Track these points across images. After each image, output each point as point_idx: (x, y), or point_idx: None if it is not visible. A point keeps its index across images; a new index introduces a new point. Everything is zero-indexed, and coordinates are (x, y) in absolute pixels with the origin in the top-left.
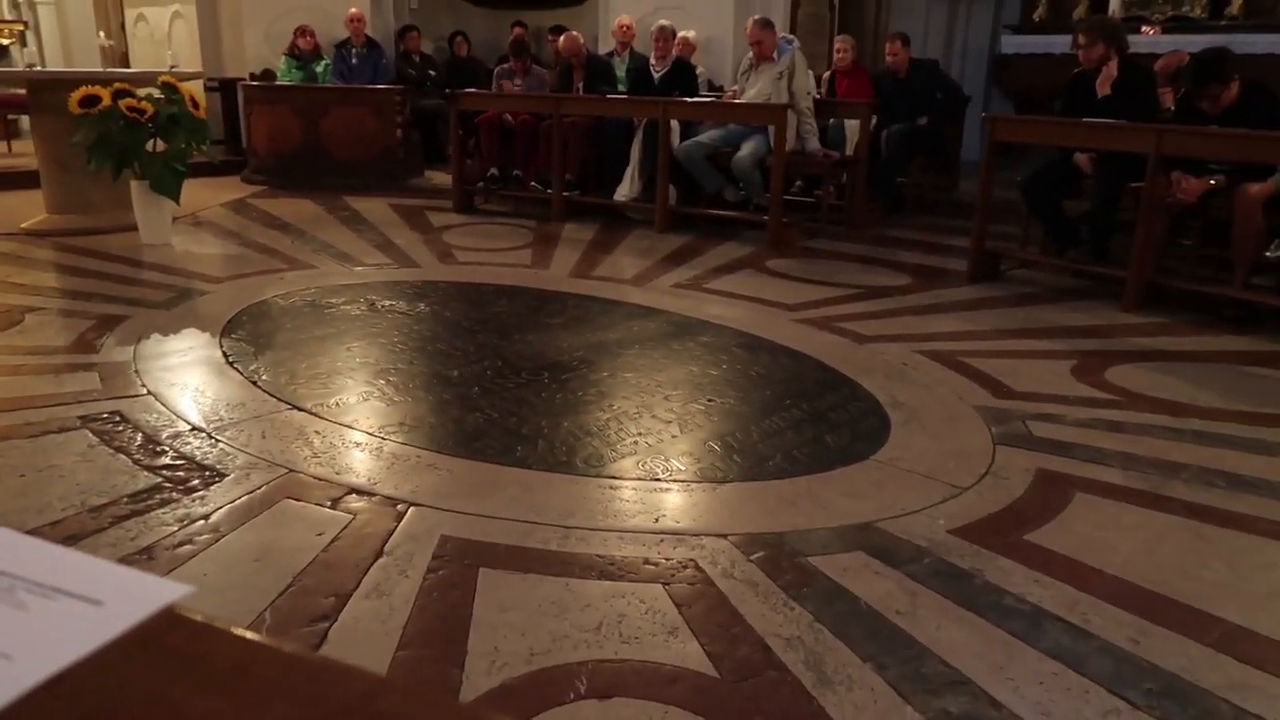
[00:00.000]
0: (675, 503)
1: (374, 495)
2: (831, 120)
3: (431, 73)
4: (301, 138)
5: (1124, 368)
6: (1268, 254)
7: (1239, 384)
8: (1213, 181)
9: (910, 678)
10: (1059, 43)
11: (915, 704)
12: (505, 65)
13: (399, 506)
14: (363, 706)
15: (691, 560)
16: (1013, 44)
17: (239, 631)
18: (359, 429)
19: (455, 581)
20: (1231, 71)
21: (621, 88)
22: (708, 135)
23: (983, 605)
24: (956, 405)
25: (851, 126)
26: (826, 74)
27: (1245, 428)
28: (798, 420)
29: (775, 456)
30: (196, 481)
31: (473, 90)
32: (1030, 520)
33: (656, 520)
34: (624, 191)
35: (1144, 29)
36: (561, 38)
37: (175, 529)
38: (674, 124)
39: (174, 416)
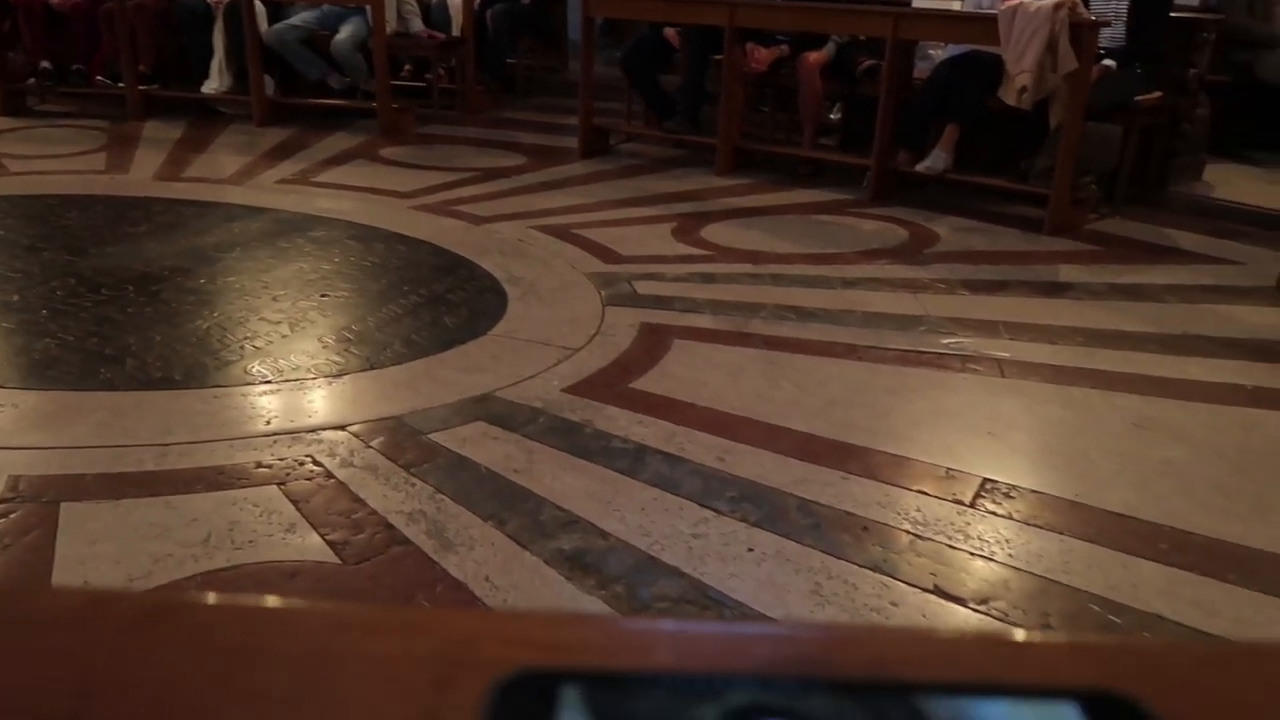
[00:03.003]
0: (289, 403)
1: None
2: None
3: None
4: None
5: (716, 226)
6: (833, 116)
7: (808, 231)
8: (781, 50)
9: (529, 527)
10: None
11: (533, 549)
12: None
13: None
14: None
15: (309, 456)
16: None
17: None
18: None
19: (31, 524)
20: None
21: None
22: (300, 18)
23: (592, 451)
24: (570, 274)
25: (455, 6)
26: None
27: (811, 268)
28: (415, 306)
29: (394, 344)
30: None
31: None
32: (635, 370)
33: (269, 423)
34: (213, 85)
35: None
36: None
37: None
38: (259, 6)
39: None
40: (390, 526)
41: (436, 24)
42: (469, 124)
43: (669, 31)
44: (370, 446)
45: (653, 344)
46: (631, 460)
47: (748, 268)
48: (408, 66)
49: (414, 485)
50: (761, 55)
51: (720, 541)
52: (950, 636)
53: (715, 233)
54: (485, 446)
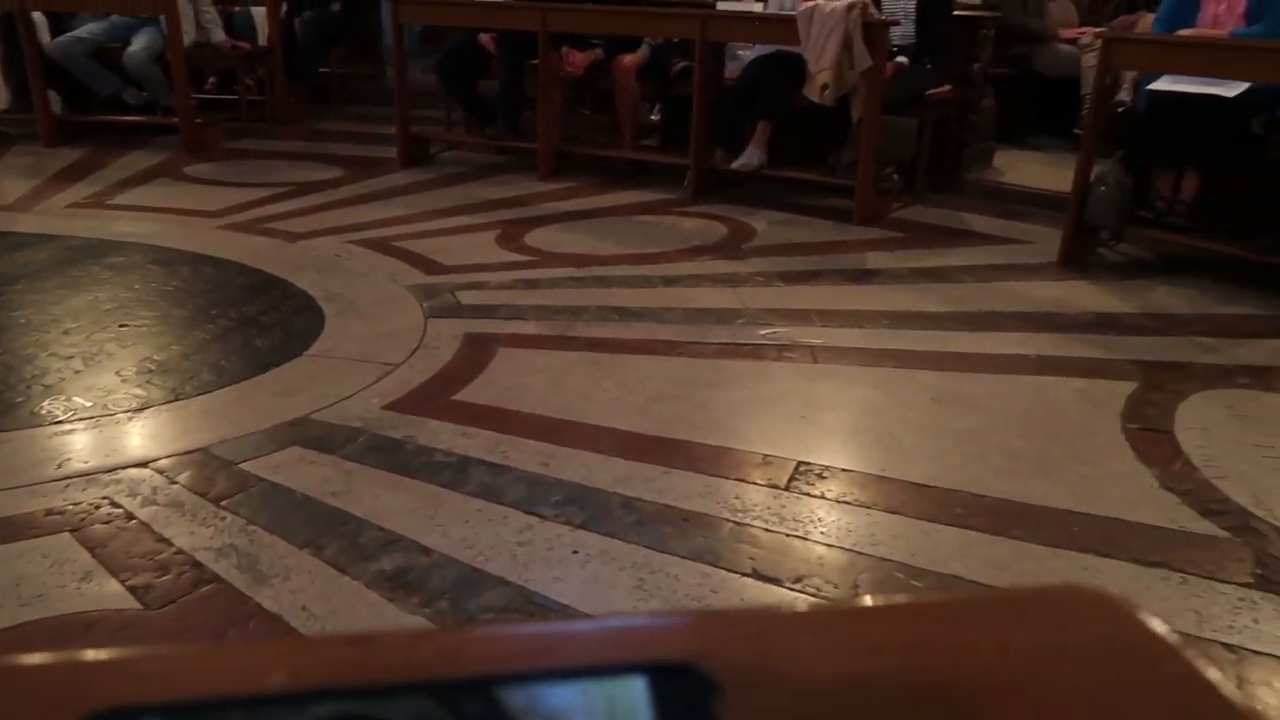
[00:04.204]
0: (83, 443)
1: None
2: (237, 8)
3: None
4: None
5: (540, 231)
6: (653, 117)
7: (630, 232)
8: (596, 54)
9: (347, 551)
10: None
11: (353, 573)
12: None
13: None
14: None
15: (106, 498)
16: None
17: None
18: None
19: None
20: None
21: None
22: (86, 29)
23: (414, 467)
24: (390, 288)
25: (259, 14)
26: None
27: (634, 268)
28: (224, 330)
29: (201, 372)
30: None
31: None
32: (458, 381)
33: (60, 466)
34: None
35: None
36: None
37: None
38: (38, 17)
39: None
40: (198, 565)
41: (240, 33)
42: (282, 137)
43: (484, 37)
44: (175, 482)
45: (476, 354)
46: (455, 473)
47: (571, 271)
48: (212, 79)
49: (224, 519)
50: (576, 59)
51: (545, 546)
52: (535, 628)
53: (539, 238)
54: (301, 471)
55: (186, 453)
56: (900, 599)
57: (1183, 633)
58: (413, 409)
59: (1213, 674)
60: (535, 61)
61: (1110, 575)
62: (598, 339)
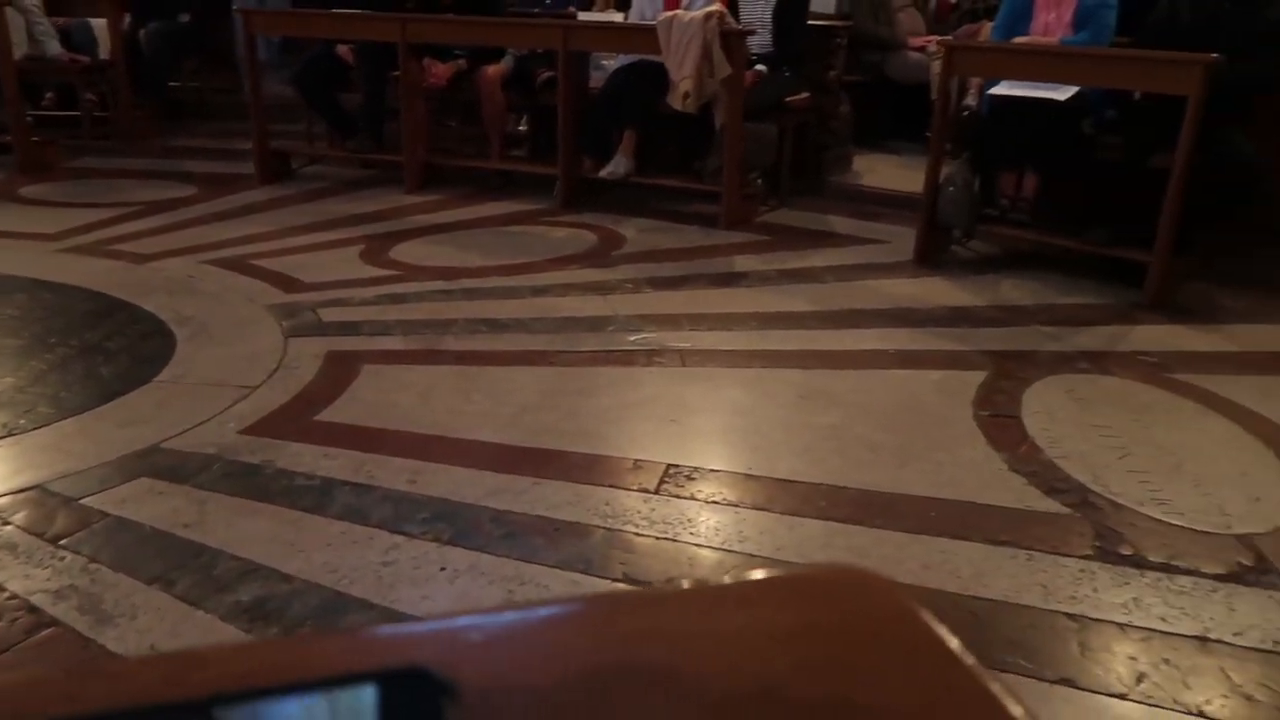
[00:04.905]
0: None
1: None
2: (75, 20)
3: None
4: None
5: (406, 244)
6: (521, 127)
7: (500, 243)
8: (459, 65)
9: (201, 584)
10: None
11: (207, 607)
12: None
13: None
14: None
15: None
16: None
17: None
18: None
19: None
20: None
21: None
22: None
23: (274, 492)
24: (247, 308)
25: (100, 26)
26: None
27: (504, 279)
28: (64, 359)
29: (38, 404)
30: None
31: None
32: (320, 401)
33: None
34: None
35: None
36: None
37: None
38: None
39: None
40: (34, 609)
41: (79, 46)
42: (129, 154)
43: (342, 49)
44: (9, 523)
45: (340, 372)
46: (317, 496)
47: (439, 284)
48: (49, 94)
49: (63, 559)
50: (439, 70)
51: (412, 565)
52: (270, 646)
53: (406, 251)
54: (150, 504)
55: (20, 491)
56: (661, 588)
57: (1030, 606)
58: (271, 432)
59: (953, 643)
60: (397, 73)
61: (964, 556)
62: (466, 352)
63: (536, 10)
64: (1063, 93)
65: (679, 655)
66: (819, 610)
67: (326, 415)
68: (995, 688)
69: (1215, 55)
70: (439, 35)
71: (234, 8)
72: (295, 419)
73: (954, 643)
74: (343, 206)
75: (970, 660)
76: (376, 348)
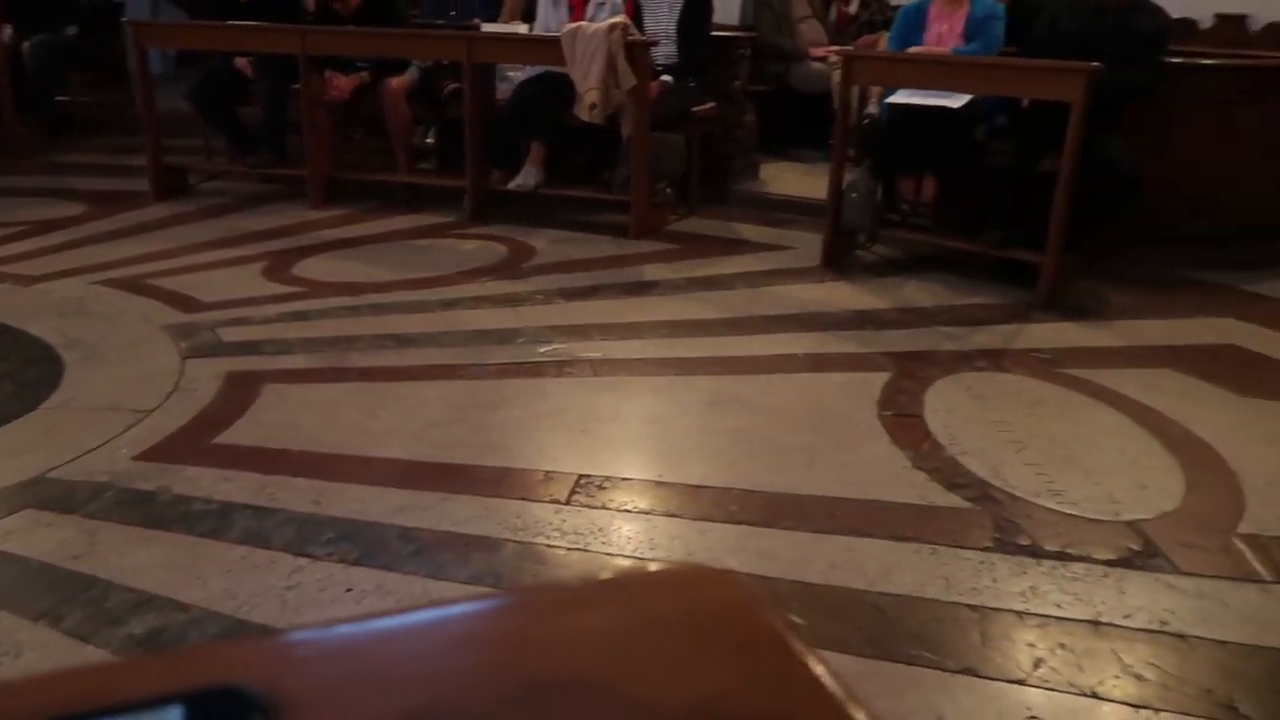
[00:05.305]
0: None
1: None
2: None
3: None
4: None
5: (311, 260)
6: (428, 140)
7: (407, 258)
8: (362, 77)
9: (92, 617)
10: None
11: (98, 641)
12: None
13: None
14: None
15: None
16: None
17: None
18: None
19: None
20: None
21: None
22: None
23: (169, 519)
24: (142, 329)
25: None
26: None
27: (411, 293)
28: None
29: None
30: None
31: None
32: (219, 424)
33: None
34: None
35: None
36: None
37: None
38: None
39: None
40: None
41: None
42: (12, 172)
43: (241, 62)
44: None
45: (240, 393)
46: (216, 521)
47: (345, 300)
48: None
49: None
50: (341, 83)
51: (316, 588)
52: (76, 672)
53: (310, 268)
54: (36, 536)
55: None
56: (507, 593)
57: (933, 599)
58: (167, 457)
59: (788, 633)
60: (298, 85)
61: (870, 554)
62: (372, 368)
63: (441, 22)
64: (956, 101)
65: (515, 659)
66: (663, 607)
67: (226, 438)
68: (820, 671)
69: (1096, 64)
70: (340, 47)
71: (124, 20)
72: (192, 442)
73: (789, 633)
74: (244, 223)
75: (800, 649)
76: (279, 367)
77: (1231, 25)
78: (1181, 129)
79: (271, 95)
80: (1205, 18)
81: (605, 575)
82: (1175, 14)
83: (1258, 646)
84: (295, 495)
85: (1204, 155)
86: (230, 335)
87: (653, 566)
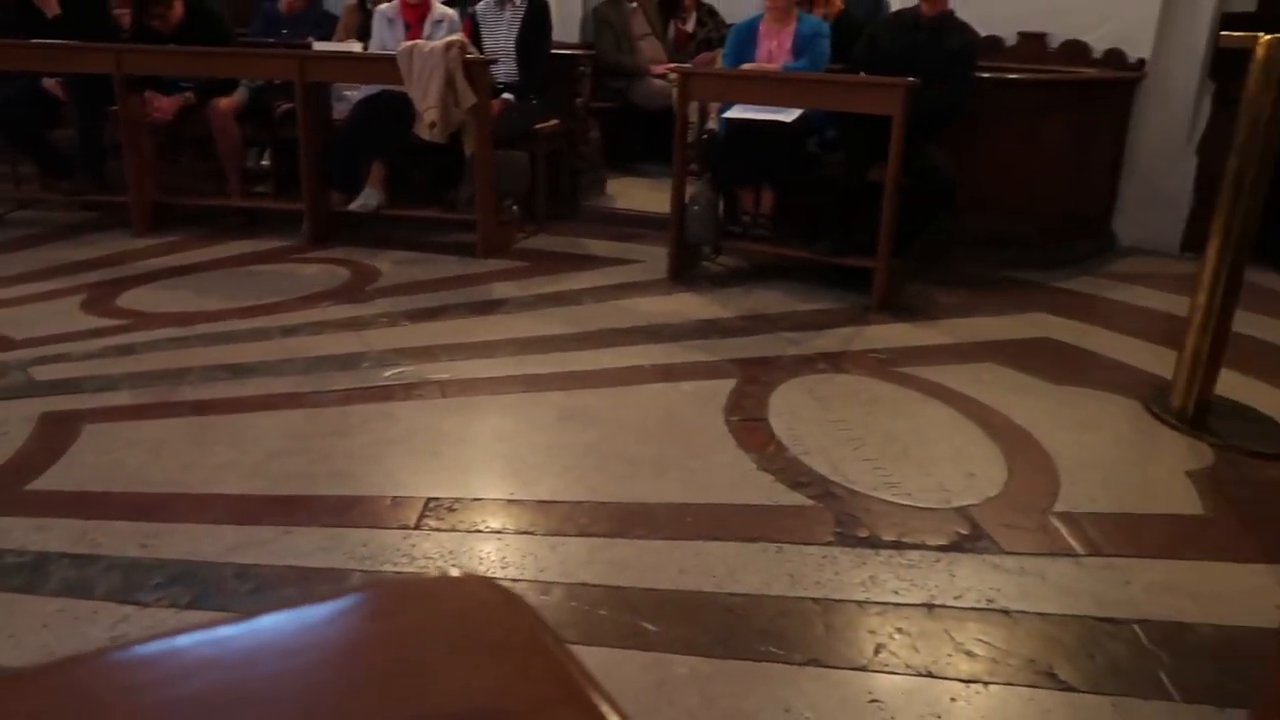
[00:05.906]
0: None
1: None
2: None
3: None
4: None
5: (136, 291)
6: (264, 162)
7: (243, 284)
8: (186, 98)
9: None
10: None
11: None
12: None
13: None
14: None
15: None
16: None
17: None
18: None
19: None
20: None
21: None
22: None
23: None
24: None
25: None
26: None
27: (247, 321)
28: None
29: None
30: None
31: None
32: (32, 469)
33: None
34: None
35: None
36: None
37: None
38: None
39: None
40: None
41: None
42: None
43: (49, 82)
44: None
45: (56, 435)
46: (29, 573)
47: (173, 331)
48: None
49: None
50: (164, 104)
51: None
52: None
53: (135, 299)
54: None
55: None
56: (264, 613)
57: (780, 595)
58: None
59: (547, 637)
60: (116, 107)
61: (719, 556)
62: (205, 401)
63: (271, 40)
64: (789, 115)
65: (295, 674)
66: (425, 615)
67: (40, 483)
68: (572, 669)
69: (913, 79)
70: (160, 67)
71: None
72: (2, 490)
73: (545, 633)
74: (60, 253)
75: (554, 647)
76: (100, 405)
77: (1032, 43)
78: (992, 139)
79: (86, 118)
80: (1010, 35)
81: (380, 586)
82: (983, 32)
83: (1073, 615)
84: (120, 540)
85: (1013, 163)
86: (44, 374)
87: (432, 574)
